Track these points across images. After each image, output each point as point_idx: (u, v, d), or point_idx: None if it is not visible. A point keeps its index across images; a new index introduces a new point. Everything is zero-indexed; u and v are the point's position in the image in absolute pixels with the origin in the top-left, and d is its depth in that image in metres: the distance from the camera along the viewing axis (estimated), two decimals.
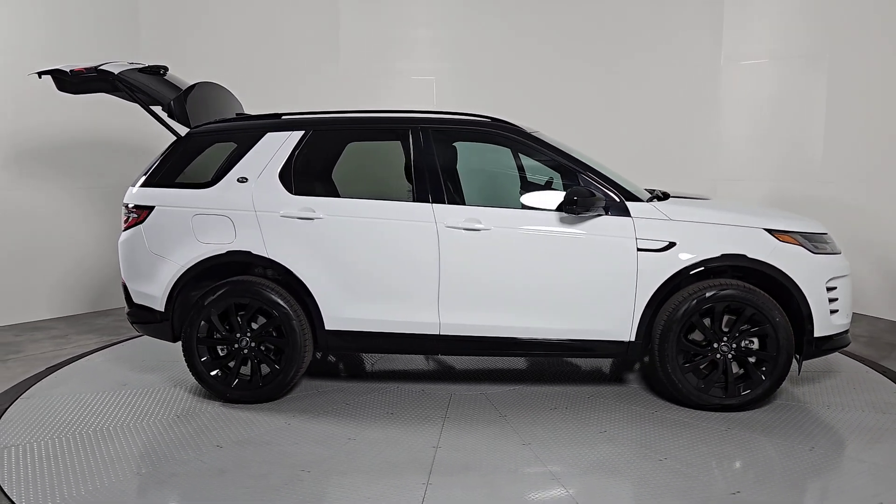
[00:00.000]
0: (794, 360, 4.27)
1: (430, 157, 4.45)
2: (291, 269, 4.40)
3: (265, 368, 4.48)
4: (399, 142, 4.59)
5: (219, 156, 4.64)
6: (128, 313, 4.75)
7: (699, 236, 4.26)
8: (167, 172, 4.63)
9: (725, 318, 4.28)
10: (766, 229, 4.29)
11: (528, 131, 4.56)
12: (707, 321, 4.26)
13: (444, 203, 4.38)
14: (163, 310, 4.54)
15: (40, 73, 4.83)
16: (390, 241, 4.38)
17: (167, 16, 7.64)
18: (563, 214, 4.27)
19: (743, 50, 7.52)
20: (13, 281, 6.74)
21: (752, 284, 4.25)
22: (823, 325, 4.28)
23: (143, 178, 4.66)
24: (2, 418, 4.34)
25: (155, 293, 4.55)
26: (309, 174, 4.61)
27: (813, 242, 4.33)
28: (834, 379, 4.92)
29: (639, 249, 4.24)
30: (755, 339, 4.28)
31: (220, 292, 4.43)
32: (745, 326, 4.24)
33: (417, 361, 5.39)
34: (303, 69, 7.76)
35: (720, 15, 7.55)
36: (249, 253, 4.43)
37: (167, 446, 3.89)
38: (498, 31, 7.81)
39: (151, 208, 4.56)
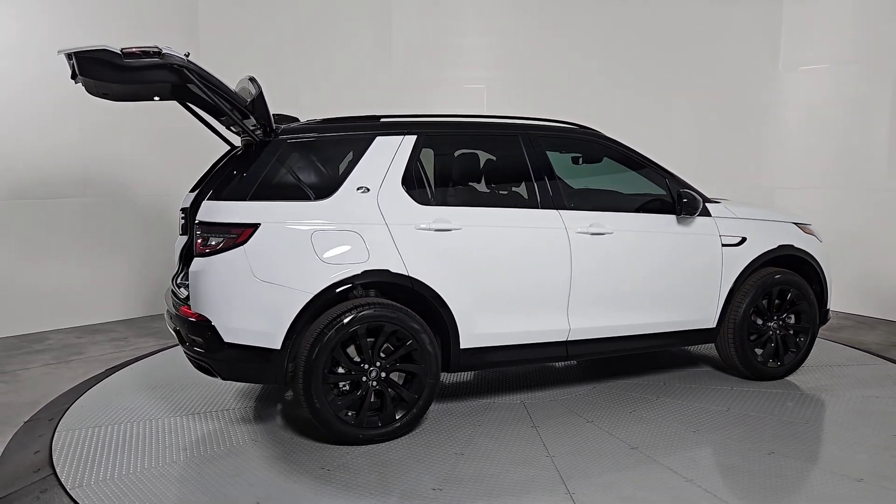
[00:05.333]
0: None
1: (549, 164, 4.44)
2: (433, 287, 4.01)
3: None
4: (515, 148, 4.46)
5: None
6: (213, 359, 3.82)
7: (759, 231, 4.95)
8: (263, 183, 3.86)
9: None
10: (794, 223, 5.16)
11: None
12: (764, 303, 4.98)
13: (567, 209, 4.42)
14: (279, 347, 3.77)
15: (71, 54, 3.62)
16: (527, 249, 4.27)
17: (226, 19, 7.60)
18: (678, 216, 4.63)
19: (801, 56, 7.46)
20: (76, 285, 6.99)
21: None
22: (829, 300, 5.30)
23: (229, 190, 3.83)
24: (64, 416, 4.37)
25: (267, 329, 3.76)
26: (431, 181, 4.24)
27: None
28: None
29: (723, 245, 4.79)
30: (792, 315, 5.12)
31: (350, 318, 3.84)
32: (787, 305, 5.05)
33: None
34: (356, 74, 7.45)
35: (778, 20, 7.48)
36: (388, 272, 3.93)
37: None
38: (549, 39, 7.68)
39: (255, 226, 3.77)
